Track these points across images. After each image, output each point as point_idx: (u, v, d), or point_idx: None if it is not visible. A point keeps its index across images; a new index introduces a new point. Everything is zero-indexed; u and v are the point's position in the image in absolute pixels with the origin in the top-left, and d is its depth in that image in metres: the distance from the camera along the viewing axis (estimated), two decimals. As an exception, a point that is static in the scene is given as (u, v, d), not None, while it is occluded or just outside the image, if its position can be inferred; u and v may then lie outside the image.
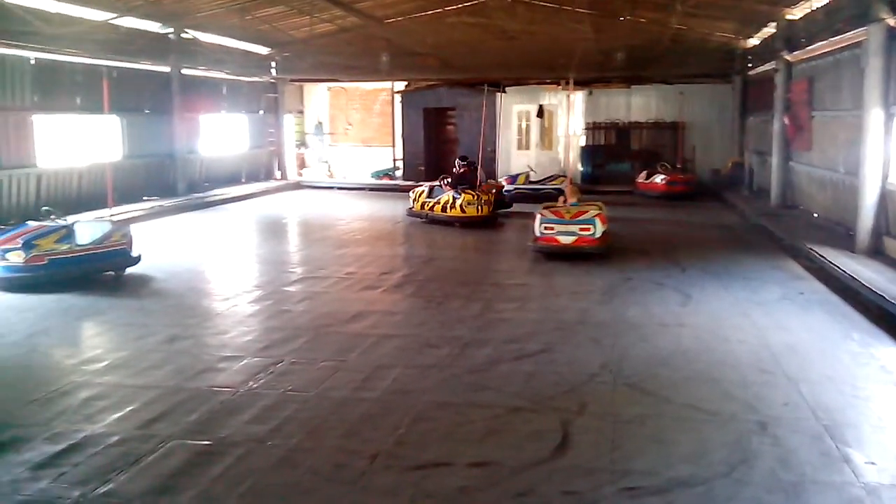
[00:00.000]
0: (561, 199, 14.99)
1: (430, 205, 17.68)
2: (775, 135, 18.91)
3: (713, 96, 26.14)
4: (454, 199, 17.21)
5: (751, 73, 23.50)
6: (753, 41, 22.35)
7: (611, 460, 5.46)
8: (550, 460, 5.46)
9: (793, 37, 17.61)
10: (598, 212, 13.50)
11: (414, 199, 18.32)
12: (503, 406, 6.43)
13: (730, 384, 6.95)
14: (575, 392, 6.72)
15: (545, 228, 13.47)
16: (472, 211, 17.08)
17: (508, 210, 18.93)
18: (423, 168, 27.96)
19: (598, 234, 13.21)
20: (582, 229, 13.24)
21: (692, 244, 14.97)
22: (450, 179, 17.91)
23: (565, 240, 13.28)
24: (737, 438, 5.79)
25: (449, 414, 6.28)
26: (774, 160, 19.00)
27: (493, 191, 18.11)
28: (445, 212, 17.35)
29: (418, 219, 17.98)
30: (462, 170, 18.36)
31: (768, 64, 20.09)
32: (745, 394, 6.71)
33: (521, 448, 5.66)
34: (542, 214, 13.66)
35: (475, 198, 17.13)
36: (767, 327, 8.85)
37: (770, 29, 19.59)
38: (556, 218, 13.48)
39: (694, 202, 21.56)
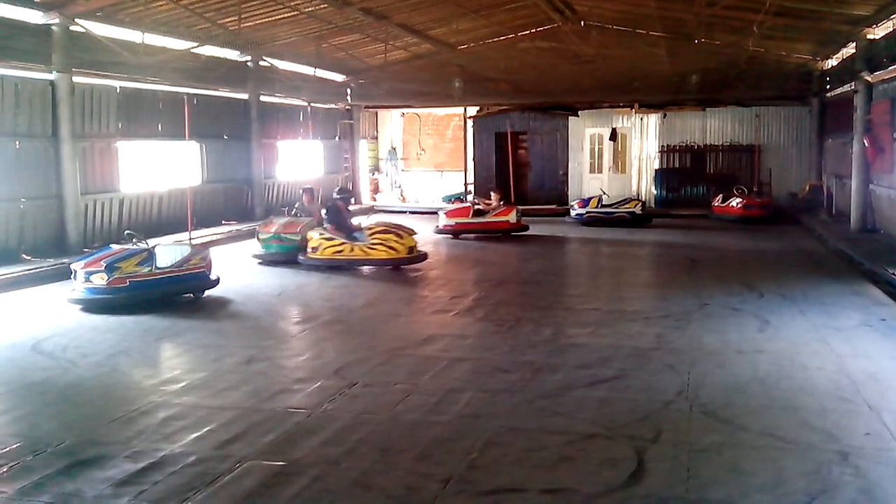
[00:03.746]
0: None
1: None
2: (855, 157, 18.47)
3: (790, 118, 25.71)
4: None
5: (829, 94, 23.06)
6: (832, 62, 21.93)
7: (686, 489, 5.36)
8: (625, 488, 5.38)
9: (874, 57, 17.24)
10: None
11: None
12: (576, 432, 6.37)
13: (808, 412, 6.77)
14: (650, 419, 6.63)
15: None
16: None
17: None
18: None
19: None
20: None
21: (769, 269, 14.68)
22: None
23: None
24: (816, 468, 5.63)
25: (521, 439, 6.25)
26: (854, 183, 18.55)
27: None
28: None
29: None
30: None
31: (847, 85, 19.68)
32: (824, 422, 6.53)
33: (594, 475, 5.60)
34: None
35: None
36: (847, 354, 8.61)
37: (849, 49, 19.21)
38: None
39: (771, 226, 21.16)
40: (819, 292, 12.10)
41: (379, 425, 6.57)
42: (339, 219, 15.14)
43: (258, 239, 15.82)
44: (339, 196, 15.87)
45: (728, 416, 6.70)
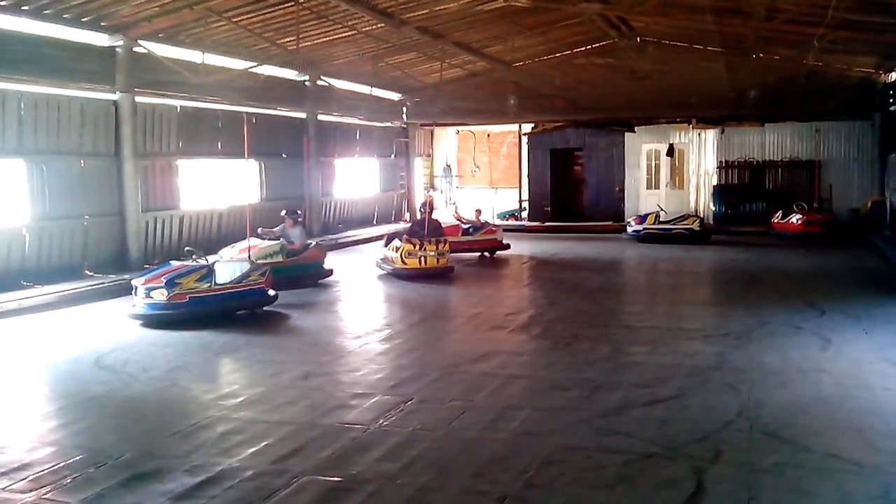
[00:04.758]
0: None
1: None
2: (920, 173, 18.03)
3: (851, 133, 25.18)
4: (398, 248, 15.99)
5: (892, 108, 22.57)
6: (895, 75, 21.49)
7: (748, 511, 5.26)
8: (684, 509, 5.30)
9: (940, 70, 16.85)
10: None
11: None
12: (635, 452, 6.28)
13: (874, 434, 6.58)
14: (710, 439, 6.52)
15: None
16: (413, 262, 15.72)
17: None
18: (548, 209, 27.97)
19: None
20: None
21: (831, 286, 14.39)
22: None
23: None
24: (884, 492, 5.47)
25: (578, 458, 6.18)
26: (920, 199, 18.09)
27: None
28: (405, 263, 15.79)
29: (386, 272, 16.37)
30: (423, 215, 16.98)
31: (912, 99, 19.25)
32: (891, 444, 6.34)
33: (653, 496, 5.51)
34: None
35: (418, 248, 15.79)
36: (915, 374, 8.38)
37: (914, 62, 18.80)
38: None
39: (832, 243, 20.74)
40: (883, 310, 11.80)
41: (435, 442, 6.55)
42: (441, 229, 16.84)
43: None
44: (426, 211, 16.84)
45: (790, 437, 6.55)
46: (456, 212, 23.39)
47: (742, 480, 5.69)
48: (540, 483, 5.72)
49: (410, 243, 15.76)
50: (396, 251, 15.87)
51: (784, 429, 6.73)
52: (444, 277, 15.68)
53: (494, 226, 20.25)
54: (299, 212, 16.17)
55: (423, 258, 15.68)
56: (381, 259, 16.64)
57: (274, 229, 15.45)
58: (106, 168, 15.60)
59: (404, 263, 15.69)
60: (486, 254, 19.38)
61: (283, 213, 15.71)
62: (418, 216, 17.50)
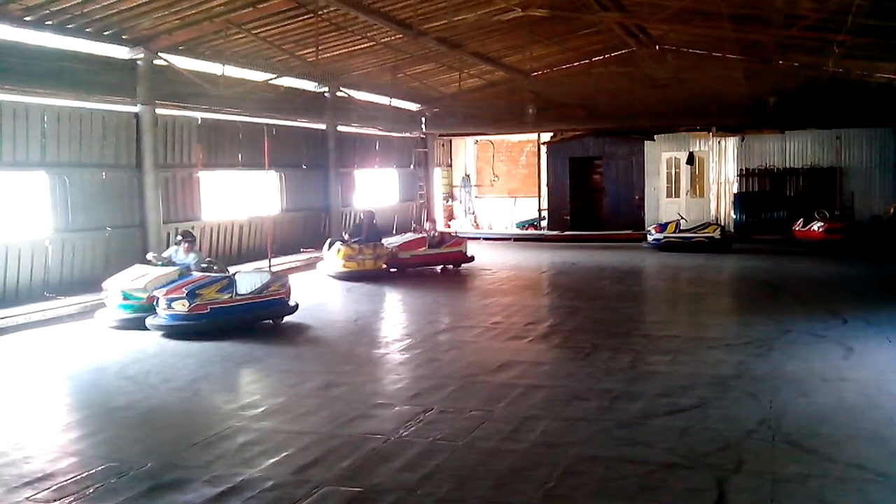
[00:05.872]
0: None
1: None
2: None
3: (872, 140, 24.98)
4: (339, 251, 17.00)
5: (915, 114, 22.39)
6: (918, 81, 21.31)
7: (770, 521, 5.22)
8: (706, 519, 5.27)
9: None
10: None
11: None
12: (656, 462, 6.26)
13: (899, 444, 6.55)
14: (731, 449, 6.48)
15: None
16: (352, 265, 16.87)
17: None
18: (568, 218, 27.92)
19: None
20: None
21: (853, 294, 14.29)
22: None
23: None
24: (909, 502, 5.44)
25: (599, 469, 6.16)
26: (942, 206, 17.93)
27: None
28: (344, 266, 16.95)
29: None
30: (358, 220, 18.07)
31: (935, 105, 19.08)
32: (917, 455, 6.30)
33: (674, 505, 5.50)
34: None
35: (357, 251, 16.93)
36: (940, 383, 8.30)
37: (936, 68, 18.65)
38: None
39: (854, 250, 20.59)
40: (907, 318, 11.71)
41: (455, 452, 6.55)
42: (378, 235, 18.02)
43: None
44: (365, 218, 18.11)
45: (813, 446, 6.51)
46: (416, 224, 23.68)
47: (764, 490, 5.66)
48: (560, 494, 5.70)
49: (349, 247, 16.87)
50: (337, 254, 16.93)
51: (807, 438, 6.69)
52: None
53: (459, 238, 19.97)
54: (194, 234, 14.09)
55: (361, 261, 16.86)
56: (327, 265, 17.47)
57: (163, 254, 13.56)
58: (127, 180, 15.69)
59: (343, 267, 16.78)
60: (449, 266, 18.91)
61: (178, 237, 13.46)
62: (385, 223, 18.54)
